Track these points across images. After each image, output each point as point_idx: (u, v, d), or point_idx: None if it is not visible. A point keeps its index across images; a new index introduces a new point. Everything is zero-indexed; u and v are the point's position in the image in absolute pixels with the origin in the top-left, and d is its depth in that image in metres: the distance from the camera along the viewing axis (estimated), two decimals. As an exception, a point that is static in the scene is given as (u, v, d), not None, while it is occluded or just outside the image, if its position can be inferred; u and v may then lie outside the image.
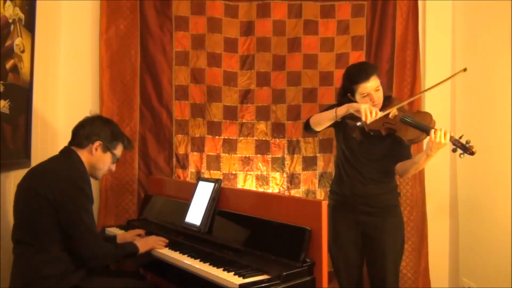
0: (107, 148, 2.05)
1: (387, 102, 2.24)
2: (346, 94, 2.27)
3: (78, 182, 1.87)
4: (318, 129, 2.33)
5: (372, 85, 2.17)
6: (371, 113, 2.01)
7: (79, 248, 1.85)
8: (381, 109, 2.20)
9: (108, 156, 2.07)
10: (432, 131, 2.01)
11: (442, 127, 2.03)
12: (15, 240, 1.89)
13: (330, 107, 2.31)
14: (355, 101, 2.24)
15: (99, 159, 2.04)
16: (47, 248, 1.82)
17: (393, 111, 2.17)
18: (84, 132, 2.02)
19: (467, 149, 2.00)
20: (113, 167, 2.15)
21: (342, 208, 2.26)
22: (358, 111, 2.05)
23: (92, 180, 2.90)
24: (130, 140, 2.22)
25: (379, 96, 2.20)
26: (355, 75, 2.20)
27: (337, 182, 2.37)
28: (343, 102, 2.24)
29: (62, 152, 2.02)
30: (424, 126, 2.10)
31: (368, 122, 2.02)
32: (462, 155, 2.02)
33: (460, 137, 2.03)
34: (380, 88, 2.20)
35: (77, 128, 2.05)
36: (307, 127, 2.36)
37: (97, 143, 2.02)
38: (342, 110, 2.15)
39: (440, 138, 1.97)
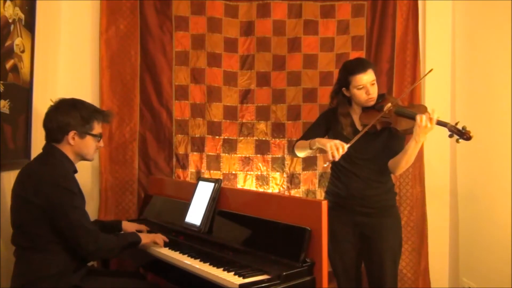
0: (83, 133, 1.97)
1: (381, 99, 2.25)
2: (341, 89, 2.27)
3: (61, 182, 1.83)
4: (300, 155, 2.41)
5: (368, 78, 2.18)
6: (337, 150, 2.03)
7: (77, 246, 1.84)
8: (375, 105, 2.23)
9: (88, 140, 1.99)
10: (418, 115, 2.01)
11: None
12: (14, 243, 1.89)
13: (316, 122, 2.41)
14: (350, 98, 2.27)
15: (81, 146, 1.97)
16: (46, 249, 1.82)
17: (387, 106, 2.19)
18: (53, 125, 1.92)
19: (463, 134, 2.00)
20: (101, 143, 2.08)
21: (338, 209, 2.26)
22: (326, 148, 2.07)
23: (91, 179, 2.93)
24: (106, 113, 2.08)
25: (374, 91, 2.21)
26: (352, 67, 2.23)
27: (333, 183, 2.37)
28: (337, 100, 2.30)
29: (44, 149, 1.98)
30: (415, 114, 2.08)
31: (336, 159, 2.03)
32: (459, 141, 2.02)
33: (456, 123, 2.03)
34: (376, 83, 2.22)
35: (45, 122, 1.96)
36: (292, 151, 2.43)
37: (71, 133, 1.93)
38: (313, 145, 2.22)
39: (426, 122, 1.99)
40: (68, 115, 1.94)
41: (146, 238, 2.15)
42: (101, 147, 2.13)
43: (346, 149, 2.05)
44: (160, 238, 2.22)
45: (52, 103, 1.99)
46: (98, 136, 2.04)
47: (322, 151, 2.40)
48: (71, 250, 1.86)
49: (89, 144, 2.01)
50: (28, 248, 1.83)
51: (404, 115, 2.14)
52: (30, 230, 1.82)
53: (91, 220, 1.98)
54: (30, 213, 1.81)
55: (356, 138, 2.10)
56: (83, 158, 2.03)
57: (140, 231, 2.38)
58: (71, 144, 1.95)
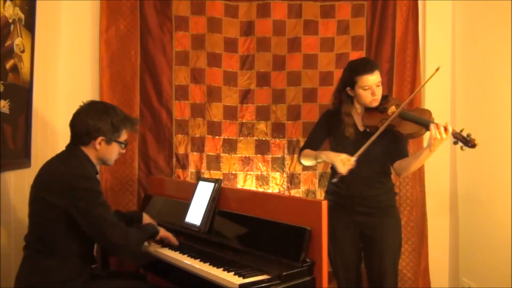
0: (110, 140, 1.96)
1: (384, 101, 2.25)
2: (345, 88, 2.26)
3: (82, 182, 1.82)
4: (306, 165, 2.44)
5: (375, 79, 2.18)
6: (344, 165, 2.06)
7: (105, 242, 1.84)
8: (378, 106, 2.23)
9: (114, 146, 1.99)
10: (432, 125, 2.00)
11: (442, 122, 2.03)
12: (26, 241, 1.88)
13: (317, 125, 2.42)
14: (353, 97, 2.26)
15: (105, 152, 1.97)
16: (54, 253, 1.81)
17: (391, 109, 2.18)
18: (82, 129, 1.91)
19: (468, 142, 1.99)
20: (123, 151, 2.08)
21: (339, 208, 2.26)
22: (334, 163, 2.10)
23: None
24: (134, 121, 2.08)
25: (379, 92, 2.21)
26: (359, 67, 2.21)
27: (334, 183, 2.37)
28: (340, 99, 2.30)
29: (68, 148, 1.97)
30: (424, 120, 2.09)
31: (344, 173, 2.06)
32: (463, 148, 2.01)
33: (461, 130, 2.02)
34: (381, 85, 2.22)
35: (74, 123, 1.94)
36: (299, 161, 2.44)
37: (99, 139, 1.92)
38: (320, 157, 2.24)
39: (441, 134, 1.97)
40: (100, 120, 1.92)
41: (162, 231, 2.17)
42: (122, 154, 2.11)
43: (353, 163, 2.07)
44: (173, 238, 2.22)
45: (82, 104, 1.98)
46: (124, 144, 2.04)
47: (330, 145, 2.40)
48: (79, 256, 1.85)
49: (114, 151, 2.01)
50: (40, 251, 1.82)
51: (412, 120, 2.13)
52: (42, 231, 1.82)
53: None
54: (47, 214, 1.80)
55: (361, 150, 2.10)
56: (104, 162, 2.03)
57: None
58: (97, 149, 1.94)
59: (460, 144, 2.01)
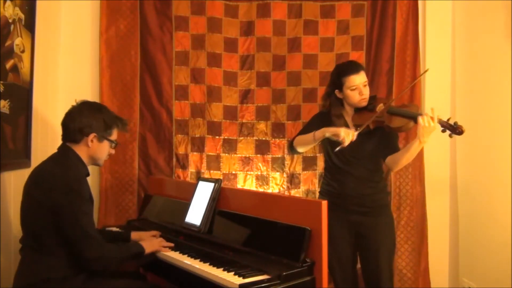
0: (102, 137, 1.99)
1: (373, 101, 2.29)
2: (334, 91, 2.31)
3: (73, 186, 1.83)
4: (301, 150, 2.45)
5: (361, 79, 2.24)
6: (348, 136, 2.08)
7: (79, 252, 1.82)
8: (367, 106, 2.28)
9: (105, 144, 2.02)
10: (419, 117, 2.06)
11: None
12: (21, 243, 1.89)
13: (310, 122, 2.43)
14: (342, 99, 2.31)
15: (96, 150, 1.99)
16: (51, 252, 1.81)
17: (379, 106, 2.24)
18: (75, 126, 1.93)
19: (455, 129, 2.07)
20: (113, 151, 2.10)
21: (334, 208, 2.26)
22: (337, 135, 2.11)
23: (91, 179, 2.92)
24: (124, 121, 2.12)
25: (366, 92, 2.26)
26: (345, 68, 2.29)
27: (328, 183, 2.40)
28: (330, 102, 2.35)
29: (59, 149, 1.98)
30: (410, 113, 2.15)
31: (346, 144, 2.08)
32: (451, 136, 2.09)
33: (448, 119, 2.10)
34: (367, 85, 2.27)
35: (67, 122, 1.96)
36: (292, 148, 2.44)
37: (91, 136, 1.95)
38: (320, 135, 2.22)
39: (428, 122, 2.03)
40: (93, 117, 1.96)
41: (150, 247, 2.12)
42: (112, 154, 2.12)
43: (355, 137, 2.10)
44: (164, 245, 2.19)
45: (75, 103, 2.00)
46: (114, 143, 2.06)
47: (323, 145, 2.41)
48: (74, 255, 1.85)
49: (105, 149, 2.03)
50: (36, 249, 1.82)
51: (399, 114, 2.19)
52: (36, 231, 1.82)
53: (95, 228, 1.96)
54: (38, 213, 1.80)
55: (362, 128, 2.14)
56: (95, 162, 2.04)
57: (154, 236, 2.35)
58: (89, 146, 1.96)
59: (448, 132, 2.09)
